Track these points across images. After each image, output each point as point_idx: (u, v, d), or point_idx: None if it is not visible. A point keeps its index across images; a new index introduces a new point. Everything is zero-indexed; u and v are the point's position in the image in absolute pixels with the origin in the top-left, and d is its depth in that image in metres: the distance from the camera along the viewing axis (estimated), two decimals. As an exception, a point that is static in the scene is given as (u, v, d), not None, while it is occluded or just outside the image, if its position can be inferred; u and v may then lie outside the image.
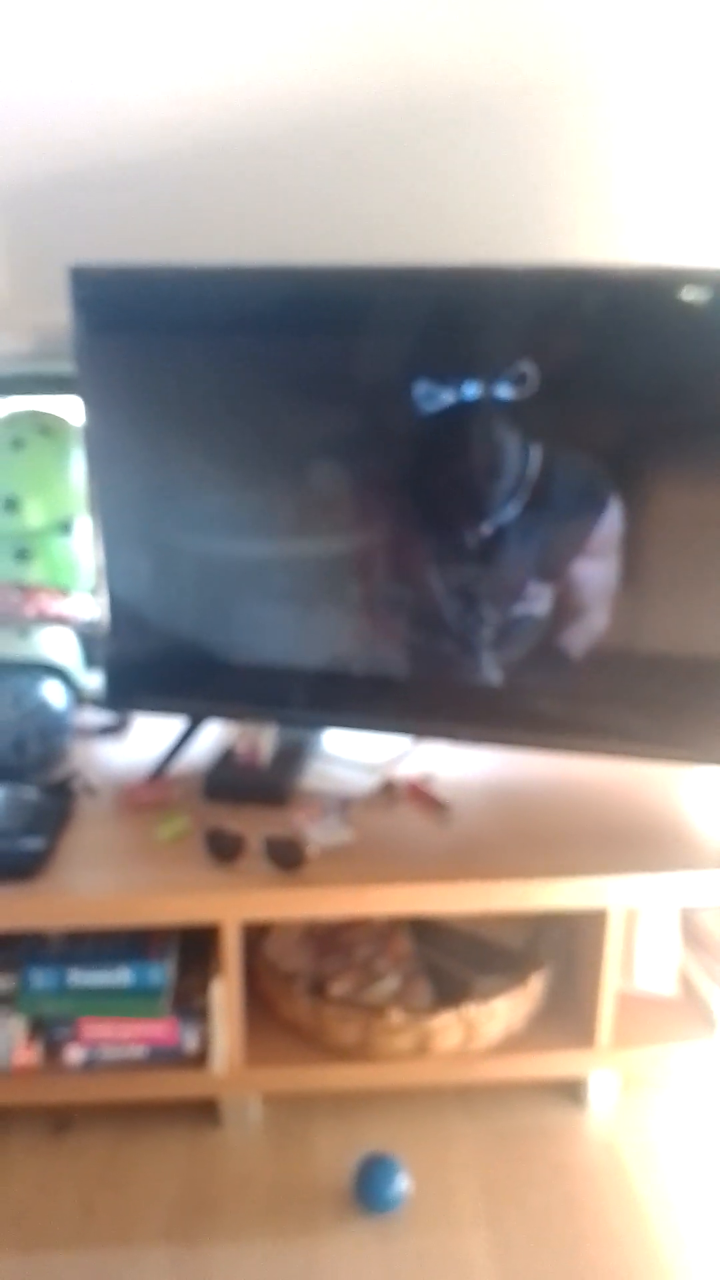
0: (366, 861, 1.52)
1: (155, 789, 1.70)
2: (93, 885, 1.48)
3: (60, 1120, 1.61)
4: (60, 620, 1.85)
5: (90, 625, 1.85)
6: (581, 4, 1.55)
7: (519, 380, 1.43)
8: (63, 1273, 1.38)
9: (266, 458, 1.58)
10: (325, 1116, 1.62)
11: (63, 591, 1.87)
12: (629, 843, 1.57)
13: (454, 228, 1.73)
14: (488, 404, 1.45)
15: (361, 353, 1.51)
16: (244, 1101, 1.60)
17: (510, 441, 1.47)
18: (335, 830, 1.58)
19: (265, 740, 1.75)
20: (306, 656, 1.65)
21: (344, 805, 1.65)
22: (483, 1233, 1.43)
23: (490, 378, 1.44)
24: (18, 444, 1.85)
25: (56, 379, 1.94)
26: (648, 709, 1.54)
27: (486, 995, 1.57)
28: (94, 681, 1.88)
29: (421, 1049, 1.57)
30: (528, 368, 1.43)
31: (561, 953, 1.69)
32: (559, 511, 1.50)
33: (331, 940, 1.69)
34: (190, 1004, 1.54)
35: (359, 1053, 1.57)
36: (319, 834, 1.56)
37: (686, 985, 1.68)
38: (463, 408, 1.47)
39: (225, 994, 1.51)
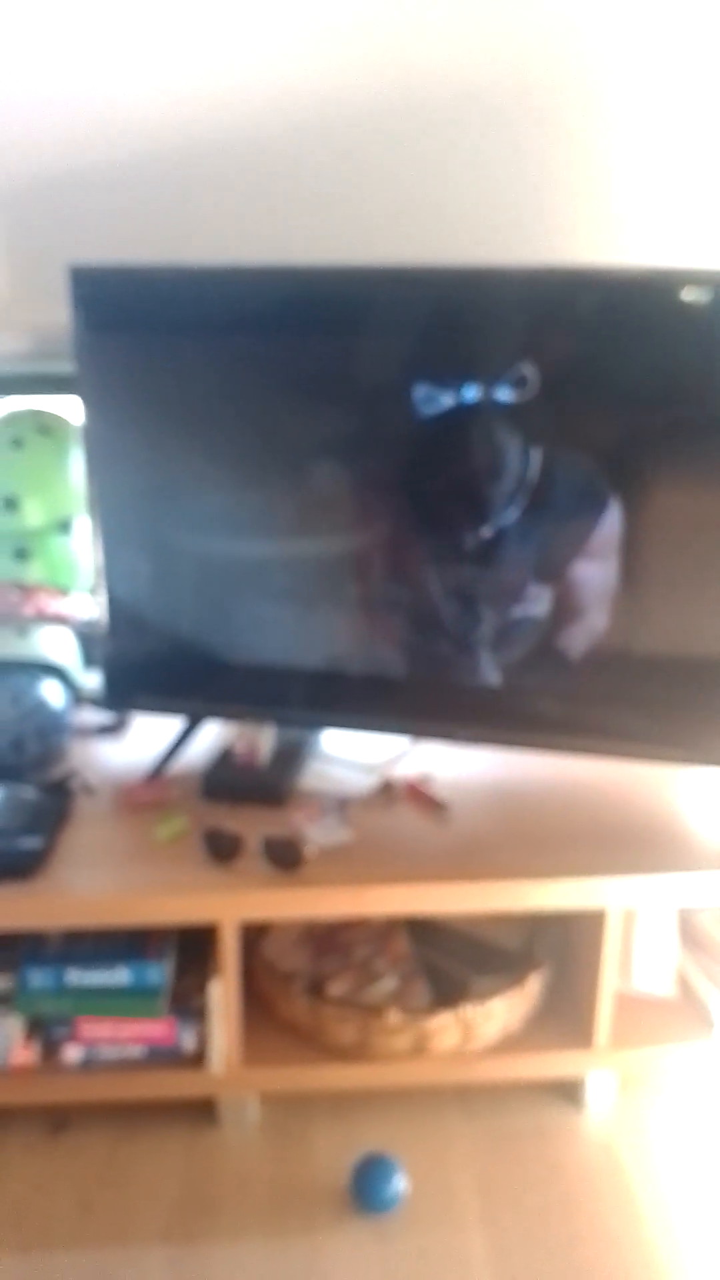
0: (365, 861, 1.52)
1: (153, 789, 1.70)
2: (91, 885, 1.48)
3: (58, 1120, 1.61)
4: (59, 619, 1.85)
5: (89, 625, 1.85)
6: (581, 5, 1.55)
7: (519, 383, 1.43)
8: (61, 1272, 1.38)
9: (266, 458, 1.58)
10: (323, 1116, 1.62)
11: (62, 591, 1.87)
12: (627, 843, 1.57)
13: (454, 228, 1.73)
14: (488, 407, 1.45)
15: (361, 354, 1.51)
16: (242, 1101, 1.60)
17: (510, 444, 1.46)
18: (333, 830, 1.58)
19: (264, 740, 1.75)
20: (305, 656, 1.65)
21: (342, 805, 1.65)
22: (480, 1233, 1.43)
23: (490, 380, 1.44)
24: (17, 443, 1.85)
25: (56, 378, 1.94)
26: (646, 709, 1.55)
27: (484, 995, 1.58)
28: (92, 681, 1.88)
29: (419, 1049, 1.57)
30: (528, 370, 1.43)
31: (559, 953, 1.69)
32: (558, 513, 1.50)
33: (329, 940, 1.69)
34: (188, 1004, 1.54)
35: (357, 1053, 1.57)
36: (317, 834, 1.56)
37: (684, 986, 1.68)
38: (462, 410, 1.47)
39: (223, 994, 1.51)
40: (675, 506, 1.47)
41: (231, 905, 1.47)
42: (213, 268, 1.51)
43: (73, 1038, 1.53)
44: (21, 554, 1.86)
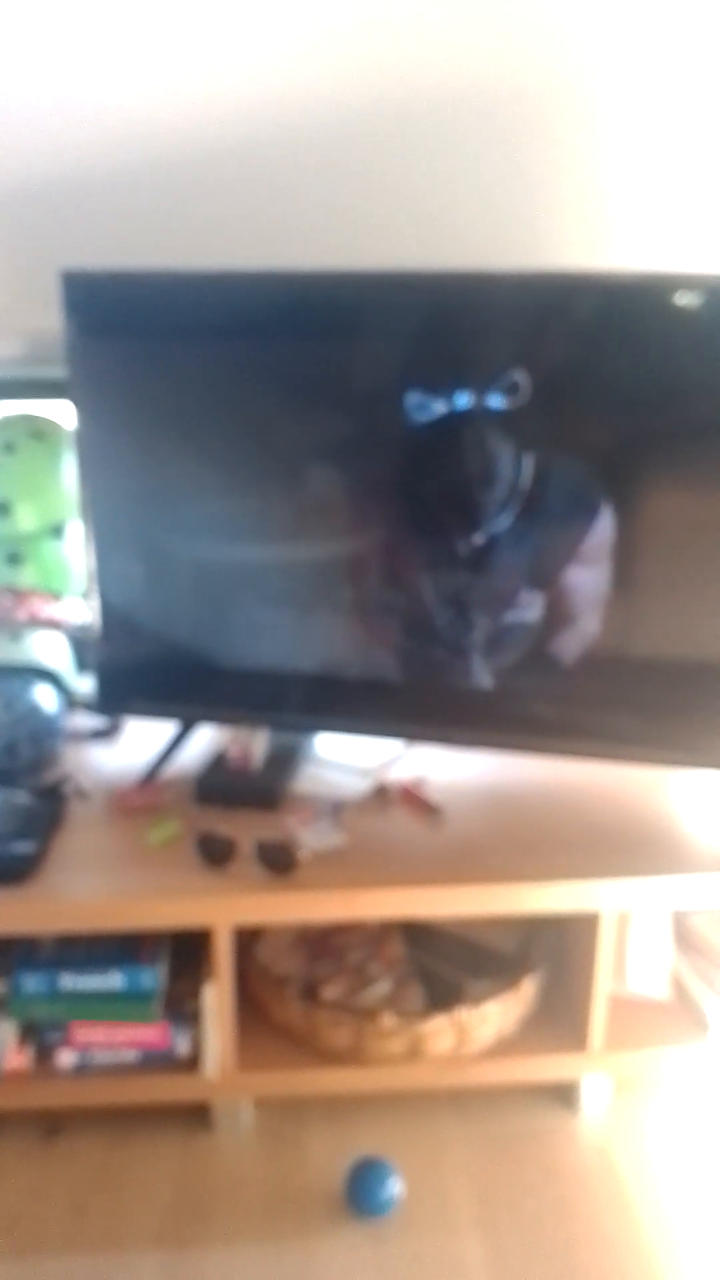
0: (358, 865, 1.52)
1: (147, 793, 1.70)
2: (84, 889, 1.48)
3: (51, 1125, 1.60)
4: (52, 624, 1.85)
5: (82, 629, 1.86)
6: (576, 11, 1.56)
7: (511, 389, 1.43)
8: (55, 1277, 1.37)
9: (258, 463, 1.59)
10: (317, 1120, 1.62)
11: (54, 595, 1.87)
12: (621, 846, 1.57)
13: (448, 234, 1.73)
14: (480, 413, 1.46)
15: (353, 359, 1.51)
16: (236, 1105, 1.60)
17: (503, 451, 1.47)
18: (327, 834, 1.58)
19: (257, 744, 1.75)
20: (298, 661, 1.66)
21: (336, 809, 1.65)
22: (475, 1236, 1.43)
23: (482, 387, 1.45)
24: (10, 448, 1.86)
25: (49, 383, 1.94)
26: (639, 713, 1.55)
27: (478, 999, 1.57)
28: (85, 685, 1.88)
29: (413, 1053, 1.57)
30: (519, 376, 1.43)
31: (553, 956, 1.69)
32: (551, 519, 1.50)
33: (323, 944, 1.69)
34: (182, 1008, 1.54)
35: (351, 1057, 1.57)
36: (311, 838, 1.56)
37: (678, 988, 1.68)
38: (455, 418, 1.47)
39: (217, 998, 1.51)
40: (668, 511, 1.48)
41: (225, 909, 1.47)
42: (205, 273, 1.52)
43: (66, 1042, 1.53)
44: (14, 559, 1.86)
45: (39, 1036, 1.54)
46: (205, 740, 1.88)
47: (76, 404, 1.61)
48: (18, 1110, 1.60)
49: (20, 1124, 1.60)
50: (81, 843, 1.59)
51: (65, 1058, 1.54)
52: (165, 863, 1.53)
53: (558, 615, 1.54)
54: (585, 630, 1.53)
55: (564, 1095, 1.65)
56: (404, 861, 1.54)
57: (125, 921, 1.47)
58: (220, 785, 1.70)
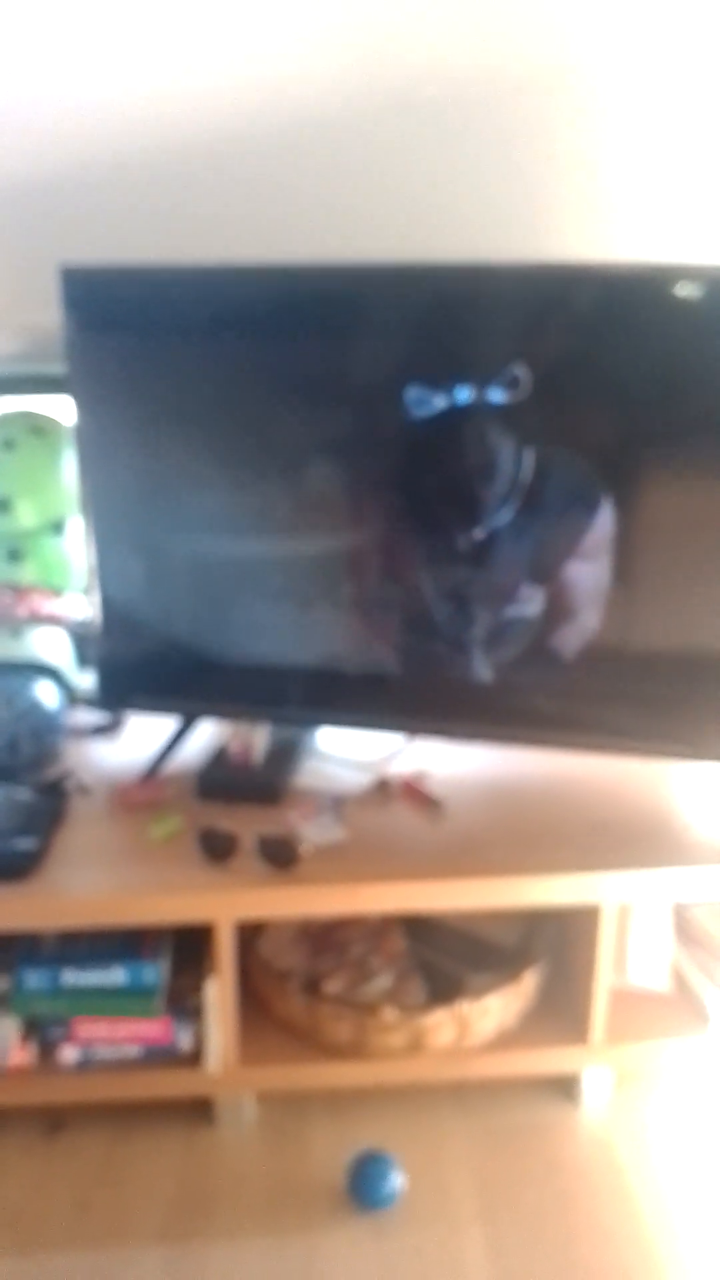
0: (360, 859, 1.53)
1: (148, 788, 1.70)
2: (86, 885, 1.48)
3: (54, 1120, 1.61)
4: (53, 620, 1.85)
5: (83, 625, 1.86)
6: (574, 4, 1.55)
7: (511, 384, 1.43)
8: (58, 1273, 1.38)
9: (258, 458, 1.58)
10: (320, 1114, 1.62)
11: (55, 591, 1.87)
12: (622, 839, 1.57)
13: (447, 227, 1.73)
14: (480, 408, 1.46)
15: (353, 354, 1.51)
16: (238, 1100, 1.60)
17: (503, 446, 1.47)
18: (329, 828, 1.58)
19: (258, 739, 1.75)
20: (299, 655, 1.66)
21: (337, 803, 1.65)
22: (477, 1229, 1.43)
23: (482, 381, 1.44)
24: (9, 444, 1.86)
25: (48, 379, 1.94)
26: (640, 706, 1.55)
27: (480, 992, 1.58)
28: (87, 681, 1.88)
29: (415, 1046, 1.57)
30: (520, 370, 1.43)
31: (554, 949, 1.69)
32: (551, 514, 1.50)
33: (325, 938, 1.69)
34: (184, 1003, 1.54)
35: (353, 1050, 1.57)
36: (312, 832, 1.56)
37: (679, 981, 1.68)
38: (455, 412, 1.47)
39: (219, 993, 1.51)
40: (669, 504, 1.47)
41: (227, 904, 1.47)
42: (204, 267, 1.52)
43: (69, 1038, 1.53)
44: (14, 555, 1.86)
45: (41, 1032, 1.54)
46: (206, 735, 1.88)
47: (76, 400, 1.61)
48: (20, 1106, 1.60)
49: (23, 1120, 1.61)
50: (83, 838, 1.59)
51: (68, 1053, 1.54)
52: (167, 858, 1.54)
53: (558, 610, 1.54)
54: (585, 624, 1.53)
55: (565, 1088, 1.66)
56: (405, 855, 1.54)
57: (127, 917, 1.47)
58: (222, 780, 1.70)
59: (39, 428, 1.88)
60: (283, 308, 1.51)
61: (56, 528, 1.88)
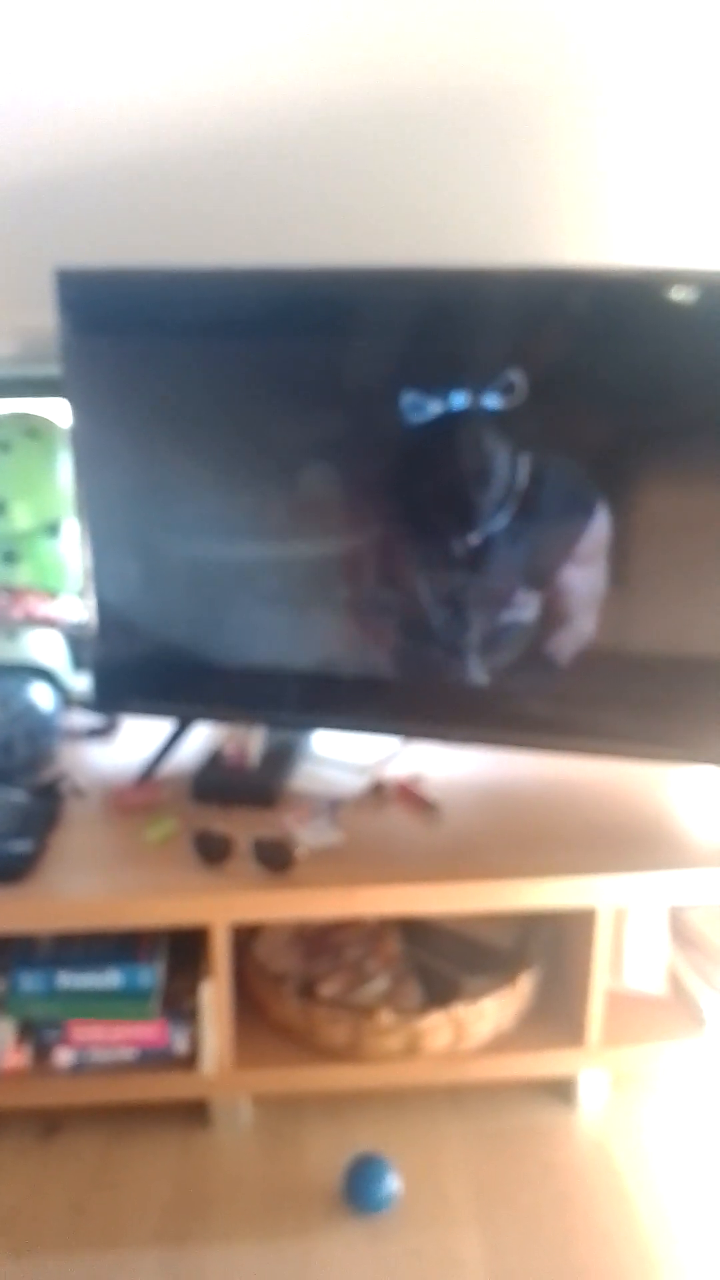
0: (356, 862, 1.52)
1: (144, 791, 1.70)
2: (81, 888, 1.48)
3: (50, 1123, 1.60)
4: (48, 622, 1.85)
5: (78, 627, 1.85)
6: (572, 8, 1.56)
7: (507, 389, 1.43)
8: (54, 1276, 1.37)
9: (253, 461, 1.58)
10: (315, 1117, 1.62)
11: (50, 594, 1.87)
12: (617, 842, 1.57)
13: (444, 230, 1.73)
14: (476, 414, 1.45)
15: (348, 358, 1.51)
16: (234, 1103, 1.60)
17: (499, 451, 1.47)
18: (324, 831, 1.58)
19: (254, 742, 1.75)
20: (295, 658, 1.65)
21: (333, 806, 1.65)
22: (473, 1232, 1.43)
23: (478, 387, 1.44)
24: (5, 446, 1.85)
25: (43, 381, 1.94)
26: (635, 709, 1.55)
27: (476, 995, 1.58)
28: (82, 684, 1.88)
29: (411, 1049, 1.57)
30: (516, 376, 1.43)
31: (550, 952, 1.69)
32: (547, 519, 1.50)
33: (321, 941, 1.69)
34: (180, 1006, 1.54)
35: (349, 1053, 1.57)
36: (308, 835, 1.56)
37: (675, 984, 1.68)
38: (451, 418, 1.46)
39: (215, 995, 1.51)
40: (663, 508, 1.48)
41: (222, 907, 1.47)
42: (199, 270, 1.51)
43: (64, 1041, 1.53)
44: (10, 557, 1.86)
45: (37, 1035, 1.54)
46: (202, 738, 1.88)
47: (71, 402, 1.60)
48: (16, 1109, 1.60)
49: (18, 1123, 1.60)
50: (78, 841, 1.59)
51: (63, 1056, 1.54)
52: (162, 861, 1.53)
53: (554, 614, 1.54)
54: (581, 629, 1.53)
55: (561, 1091, 1.65)
56: (401, 858, 1.54)
57: (123, 920, 1.47)
58: (217, 783, 1.70)
59: (34, 430, 1.88)
60: (277, 311, 1.51)
61: (52, 530, 1.87)
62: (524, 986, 1.61)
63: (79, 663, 1.90)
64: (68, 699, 1.85)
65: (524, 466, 1.47)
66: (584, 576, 1.51)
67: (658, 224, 1.74)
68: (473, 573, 1.53)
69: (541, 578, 1.52)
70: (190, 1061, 1.55)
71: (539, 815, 1.65)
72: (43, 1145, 1.58)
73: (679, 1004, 1.66)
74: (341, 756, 1.83)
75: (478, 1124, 1.61)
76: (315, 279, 1.49)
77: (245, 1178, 1.52)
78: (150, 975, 1.52)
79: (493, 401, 1.44)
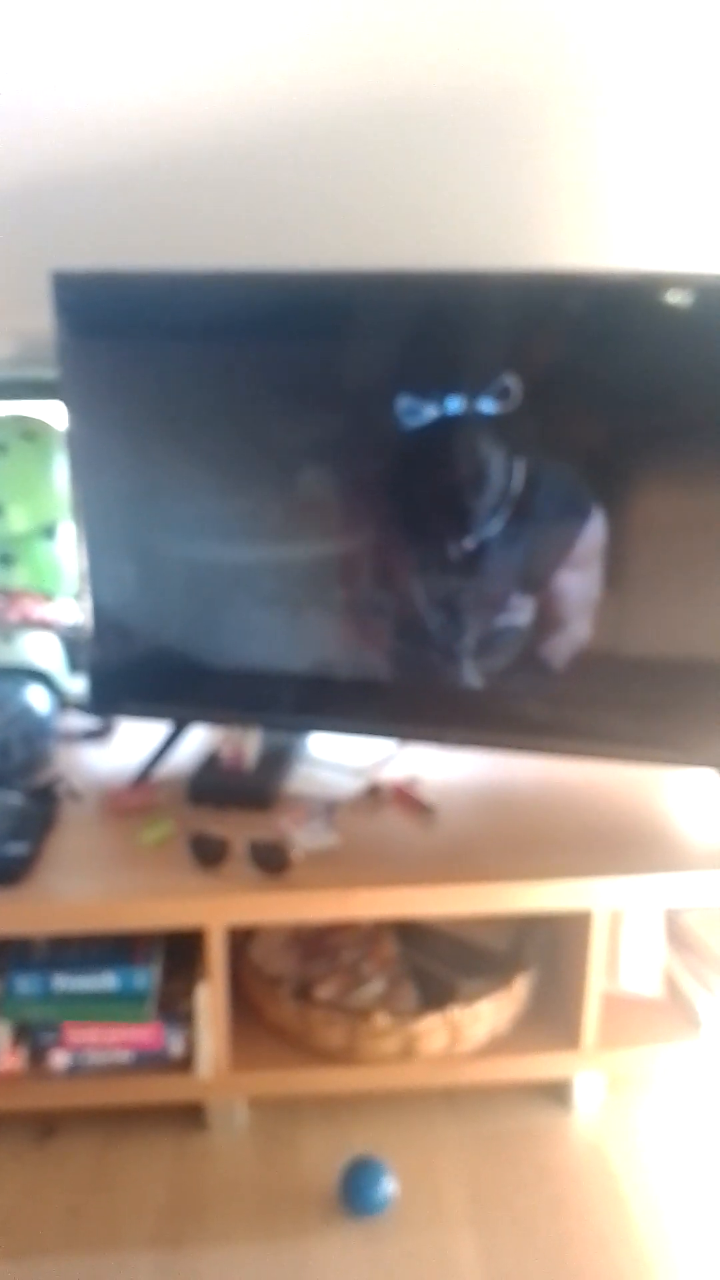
0: (352, 865, 1.52)
1: (139, 793, 1.70)
2: (77, 890, 1.48)
3: (45, 1126, 1.60)
4: (44, 625, 1.85)
5: (74, 630, 1.85)
6: (572, 10, 1.56)
7: (502, 394, 1.43)
8: (50, 1278, 1.37)
9: (249, 464, 1.58)
10: (311, 1120, 1.62)
11: (46, 596, 1.87)
12: (613, 844, 1.57)
13: (442, 233, 1.73)
14: (471, 418, 1.46)
15: (345, 361, 1.51)
16: (230, 1105, 1.60)
17: (494, 456, 1.47)
18: (320, 834, 1.58)
19: (250, 744, 1.75)
20: (291, 661, 1.66)
21: (329, 809, 1.65)
22: (469, 1234, 1.43)
23: (473, 392, 1.45)
24: (1, 449, 1.85)
25: (40, 384, 1.94)
26: (631, 712, 1.55)
27: (471, 998, 1.58)
28: (78, 686, 1.88)
29: (407, 1052, 1.57)
30: (511, 381, 1.43)
31: (546, 955, 1.69)
32: (542, 524, 1.50)
33: (317, 944, 1.69)
34: (175, 1008, 1.54)
35: (345, 1056, 1.57)
36: (304, 837, 1.56)
37: (671, 986, 1.68)
38: (446, 422, 1.47)
39: (211, 998, 1.51)
40: (658, 511, 1.48)
41: (218, 909, 1.47)
42: (196, 273, 1.51)
43: (60, 1043, 1.53)
44: (6, 559, 1.86)
45: (32, 1037, 1.54)
46: (198, 740, 1.88)
47: (68, 405, 1.60)
48: (12, 1111, 1.60)
49: (14, 1125, 1.60)
50: (74, 843, 1.58)
51: (59, 1059, 1.53)
52: (158, 863, 1.53)
53: (549, 618, 1.54)
54: (576, 633, 1.53)
55: (557, 1093, 1.65)
56: (397, 861, 1.54)
57: (118, 922, 1.47)
58: (213, 785, 1.70)
59: (31, 432, 1.88)
60: (273, 314, 1.51)
61: (48, 532, 1.87)
62: (520, 989, 1.62)
63: (75, 665, 1.90)
64: (64, 701, 1.85)
65: (519, 471, 1.47)
66: (579, 580, 1.51)
67: (657, 226, 1.74)
68: (468, 576, 1.54)
69: (537, 582, 1.53)
70: (186, 1064, 1.55)
71: (535, 818, 1.66)
72: (39, 1148, 1.58)
73: (675, 1007, 1.66)
74: (337, 759, 1.83)
75: (474, 1126, 1.61)
76: (310, 282, 1.49)
77: (241, 1180, 1.52)
78: (146, 977, 1.52)
79: (488, 406, 1.45)
